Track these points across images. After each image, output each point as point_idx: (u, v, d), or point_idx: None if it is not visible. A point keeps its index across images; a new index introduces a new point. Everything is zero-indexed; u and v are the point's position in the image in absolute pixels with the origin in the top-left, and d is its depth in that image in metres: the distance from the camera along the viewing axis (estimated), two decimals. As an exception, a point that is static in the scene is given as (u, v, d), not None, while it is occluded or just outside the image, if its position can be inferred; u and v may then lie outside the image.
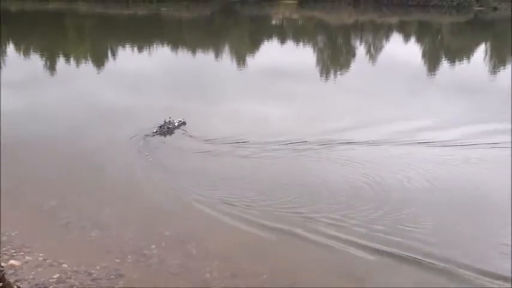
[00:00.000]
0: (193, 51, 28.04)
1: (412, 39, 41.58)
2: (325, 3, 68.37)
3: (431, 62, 29.42)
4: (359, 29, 47.95)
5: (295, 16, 59.60)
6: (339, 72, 23.95)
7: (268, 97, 16.98)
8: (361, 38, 40.53)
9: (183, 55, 27.12)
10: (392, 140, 12.45)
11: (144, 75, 20.56)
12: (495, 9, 72.01)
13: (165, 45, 30.40)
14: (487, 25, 57.51)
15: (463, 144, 12.31)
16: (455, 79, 23.33)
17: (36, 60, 23.09)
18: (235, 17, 54.00)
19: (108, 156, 10.77)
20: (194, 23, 45.86)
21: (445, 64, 28.78)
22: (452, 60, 29.96)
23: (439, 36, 46.03)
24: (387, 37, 42.41)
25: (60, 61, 23.12)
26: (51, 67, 21.47)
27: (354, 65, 26.35)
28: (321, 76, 22.78)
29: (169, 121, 12.95)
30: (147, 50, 27.70)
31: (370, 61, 28.32)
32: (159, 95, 16.94)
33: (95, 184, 9.34)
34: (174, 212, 8.39)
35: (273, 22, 52.77)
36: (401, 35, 44.74)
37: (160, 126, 12.74)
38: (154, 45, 29.42)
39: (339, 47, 35.59)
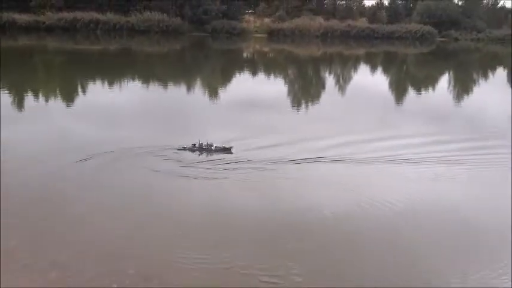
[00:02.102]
0: (165, 85, 28.01)
1: (379, 70, 42.83)
2: (294, 36, 70.01)
3: (398, 91, 30.27)
4: (328, 61, 49.12)
5: (265, 49, 60.72)
6: (310, 102, 24.30)
7: (240, 126, 17.05)
8: (330, 70, 41.50)
9: (155, 89, 27.01)
10: (360, 159, 13.16)
11: (115, 109, 20.29)
12: (456, 39, 75.26)
13: (137, 79, 30.29)
14: (449, 55, 59.93)
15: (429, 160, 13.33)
16: (421, 106, 24.08)
17: (3, 97, 22.55)
18: (207, 51, 54.60)
19: (67, 189, 10.49)
20: (165, 58, 46.09)
21: (411, 93, 29.69)
22: (418, 89, 30.93)
23: (405, 67, 47.60)
24: (355, 68, 43.57)
25: (29, 97, 22.63)
26: (19, 103, 20.99)
27: (324, 95, 26.84)
28: (292, 106, 23.05)
29: (208, 143, 13.09)
30: (118, 84, 27.50)
31: (340, 91, 28.89)
32: (131, 127, 16.68)
33: (55, 221, 8.99)
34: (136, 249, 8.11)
35: (244, 55, 53.59)
36: (368, 66, 46.06)
37: (194, 145, 12.99)
38: (126, 80, 29.27)
39: (309, 78, 36.26)
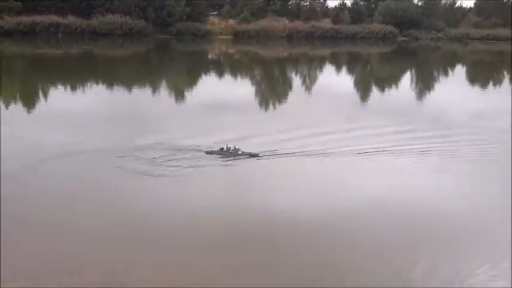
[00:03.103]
0: (130, 89, 27.49)
1: (344, 70, 43.49)
2: (259, 37, 70.27)
3: (363, 89, 30.83)
4: (294, 61, 49.52)
5: (231, 50, 60.66)
6: (277, 102, 24.42)
7: (207, 126, 16.99)
8: (296, 70, 41.84)
9: (119, 93, 26.44)
10: (324, 152, 13.71)
11: (76, 114, 19.75)
12: (417, 39, 77.36)
13: (101, 83, 29.59)
14: (410, 54, 61.51)
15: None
16: (385, 104, 24.67)
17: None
18: (172, 53, 54.06)
19: (30, 193, 10.20)
20: (129, 61, 45.32)
21: (375, 91, 30.31)
22: (382, 88, 31.60)
23: (369, 66, 48.51)
24: (321, 68, 44.08)
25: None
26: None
27: (291, 95, 27.03)
28: (260, 106, 23.14)
29: (234, 148, 13.19)
30: (81, 89, 26.78)
31: (307, 91, 29.15)
32: (95, 132, 16.29)
33: (19, 229, 8.69)
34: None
35: (210, 57, 53.37)
36: (333, 66, 46.70)
37: (221, 149, 13.19)
38: (89, 84, 28.56)
39: (276, 78, 36.41)
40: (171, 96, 25.47)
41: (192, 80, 32.70)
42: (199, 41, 65.50)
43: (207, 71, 38.36)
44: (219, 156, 13.09)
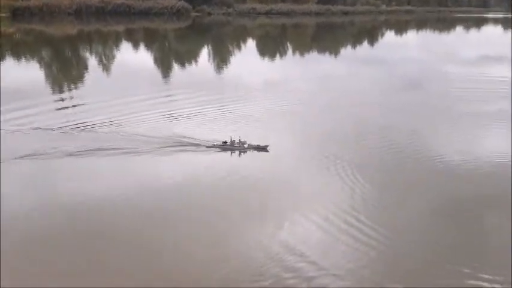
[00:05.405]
0: None
1: (142, 47, 42.41)
2: (43, 14, 63.45)
3: (164, 66, 30.67)
4: (86, 39, 46.17)
5: (10, 30, 53.22)
6: (72, 84, 22.46)
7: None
8: (90, 49, 39.10)
9: None
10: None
11: None
12: (209, 14, 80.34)
13: None
14: (205, 29, 63.56)
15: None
16: (187, 78, 25.18)
17: None
18: None
19: None
20: None
21: (176, 67, 30.53)
22: (182, 63, 31.98)
23: (167, 43, 48.34)
24: (117, 46, 42.11)
25: None
26: None
27: (88, 76, 25.23)
28: (53, 90, 21.02)
29: (240, 141, 11.85)
30: None
31: (105, 71, 27.57)
32: None
33: None
34: None
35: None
36: (130, 43, 45.10)
37: (224, 142, 11.81)
38: None
39: (67, 59, 33.41)
40: None
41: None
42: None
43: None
44: (221, 150, 11.95)
